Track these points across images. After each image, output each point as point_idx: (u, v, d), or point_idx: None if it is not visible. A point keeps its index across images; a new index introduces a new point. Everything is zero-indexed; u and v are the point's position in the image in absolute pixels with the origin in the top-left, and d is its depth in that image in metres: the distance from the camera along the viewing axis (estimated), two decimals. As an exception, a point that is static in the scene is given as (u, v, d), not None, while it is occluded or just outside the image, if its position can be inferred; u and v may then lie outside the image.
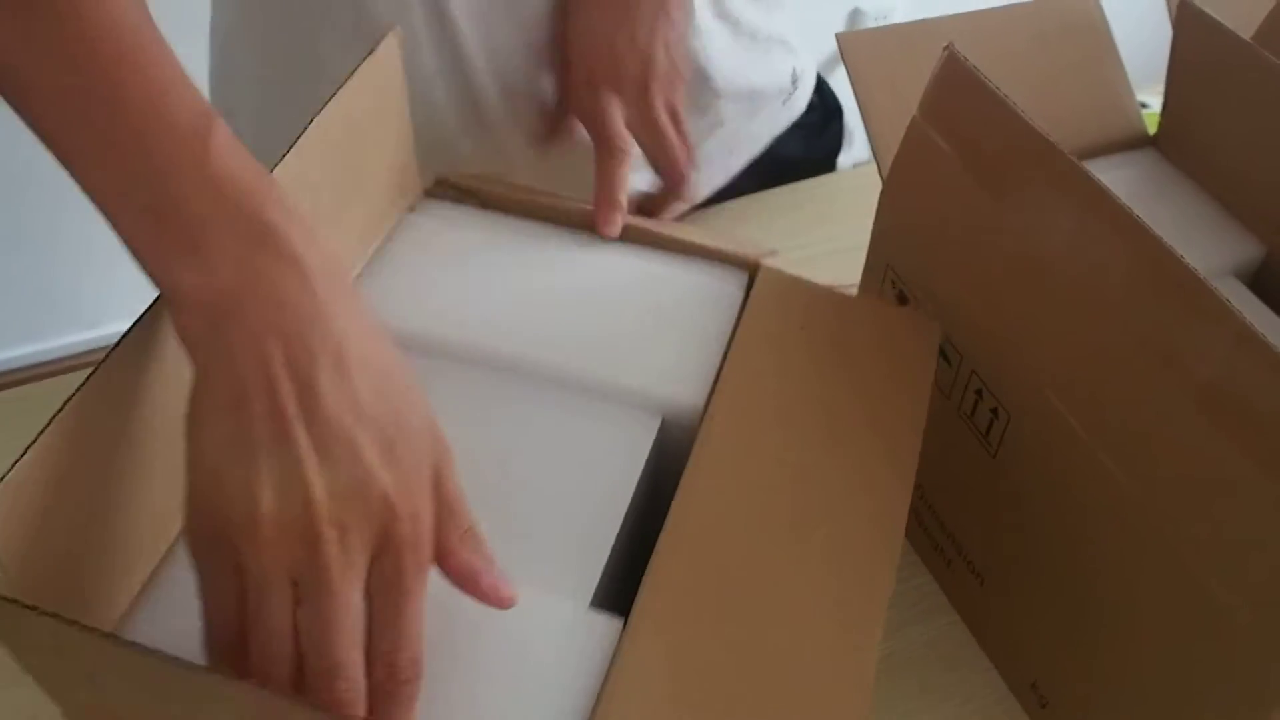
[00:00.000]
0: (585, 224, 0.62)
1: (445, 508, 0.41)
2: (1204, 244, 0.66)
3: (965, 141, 0.54)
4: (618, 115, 0.67)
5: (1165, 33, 0.70)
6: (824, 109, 0.90)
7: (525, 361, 0.54)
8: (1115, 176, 0.71)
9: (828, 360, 0.54)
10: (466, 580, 0.41)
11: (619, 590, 0.48)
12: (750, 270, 0.60)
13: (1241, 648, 0.44)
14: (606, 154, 0.66)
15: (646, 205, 0.73)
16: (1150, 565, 0.48)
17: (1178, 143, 0.72)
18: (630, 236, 0.62)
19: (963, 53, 0.54)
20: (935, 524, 0.64)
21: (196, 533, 0.38)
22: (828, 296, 0.57)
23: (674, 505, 0.48)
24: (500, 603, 0.42)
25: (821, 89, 0.90)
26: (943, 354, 0.58)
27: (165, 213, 0.39)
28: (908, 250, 0.60)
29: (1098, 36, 0.74)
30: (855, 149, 0.87)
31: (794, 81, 0.84)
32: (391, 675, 0.38)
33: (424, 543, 0.39)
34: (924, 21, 0.69)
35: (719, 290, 0.59)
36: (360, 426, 0.38)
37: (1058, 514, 0.53)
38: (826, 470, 0.50)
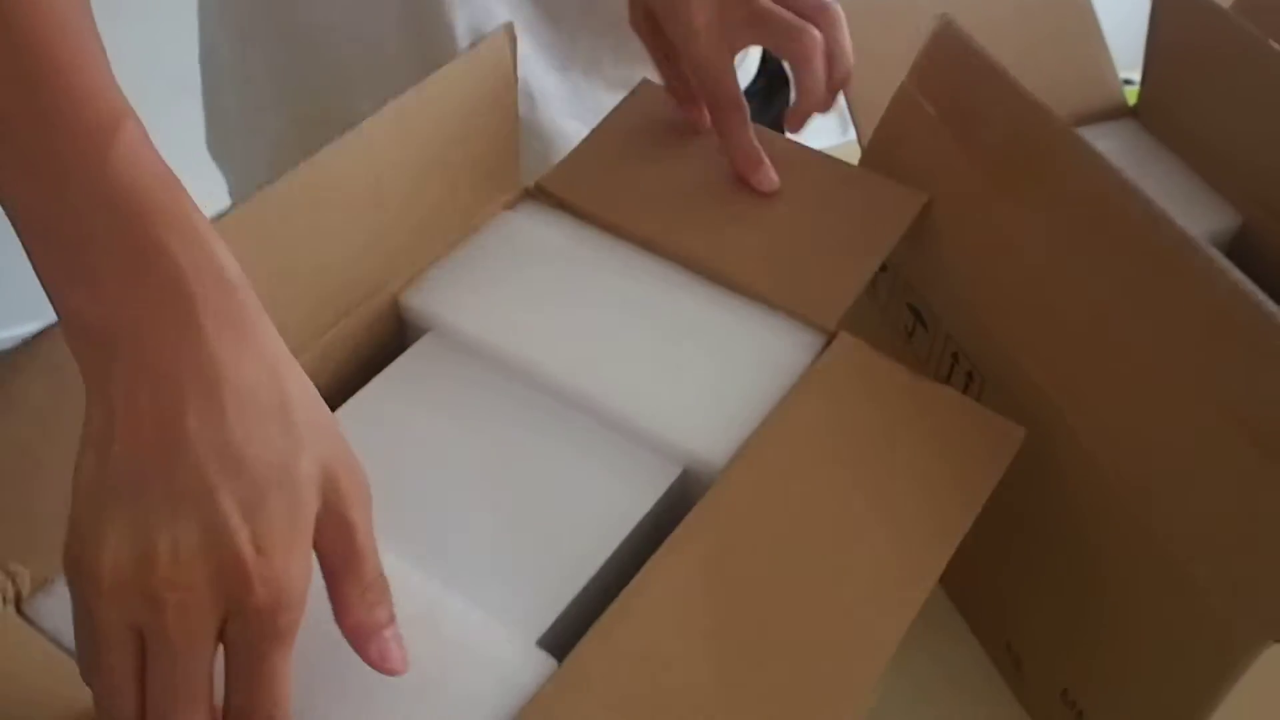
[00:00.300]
0: (677, 256, 0.58)
1: (345, 559, 0.38)
2: (1182, 213, 0.67)
3: (957, 110, 0.54)
4: (731, 68, 0.60)
5: (1146, 11, 0.71)
6: (769, 78, 0.90)
7: (563, 382, 0.52)
8: (1098, 147, 0.72)
9: (882, 436, 0.50)
10: (355, 640, 0.39)
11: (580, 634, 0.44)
12: (828, 337, 0.55)
13: (1203, 608, 0.46)
14: (733, 111, 0.60)
15: (786, 121, 0.64)
16: (1116, 527, 0.49)
17: (1157, 114, 0.73)
18: (715, 275, 0.57)
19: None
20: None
21: (64, 565, 0.36)
22: (907, 378, 0.52)
23: (653, 556, 0.45)
24: (386, 670, 0.39)
25: (766, 58, 0.90)
26: (920, 319, 0.59)
27: (55, 229, 0.36)
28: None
29: (1079, 8, 0.75)
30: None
31: None
32: None
33: (283, 606, 0.35)
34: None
35: (787, 351, 0.54)
36: (224, 475, 0.34)
37: (1032, 476, 0.54)
38: (842, 536, 0.46)
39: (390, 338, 0.56)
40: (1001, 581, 0.59)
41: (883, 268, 0.62)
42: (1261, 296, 0.41)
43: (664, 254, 0.58)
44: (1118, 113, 0.74)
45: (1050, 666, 0.57)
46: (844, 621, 0.43)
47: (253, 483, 0.35)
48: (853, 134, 0.67)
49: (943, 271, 0.57)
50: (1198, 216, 0.68)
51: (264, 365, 0.36)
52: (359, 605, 0.38)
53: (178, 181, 0.37)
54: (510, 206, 0.60)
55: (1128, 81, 0.75)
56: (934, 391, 0.51)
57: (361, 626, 0.39)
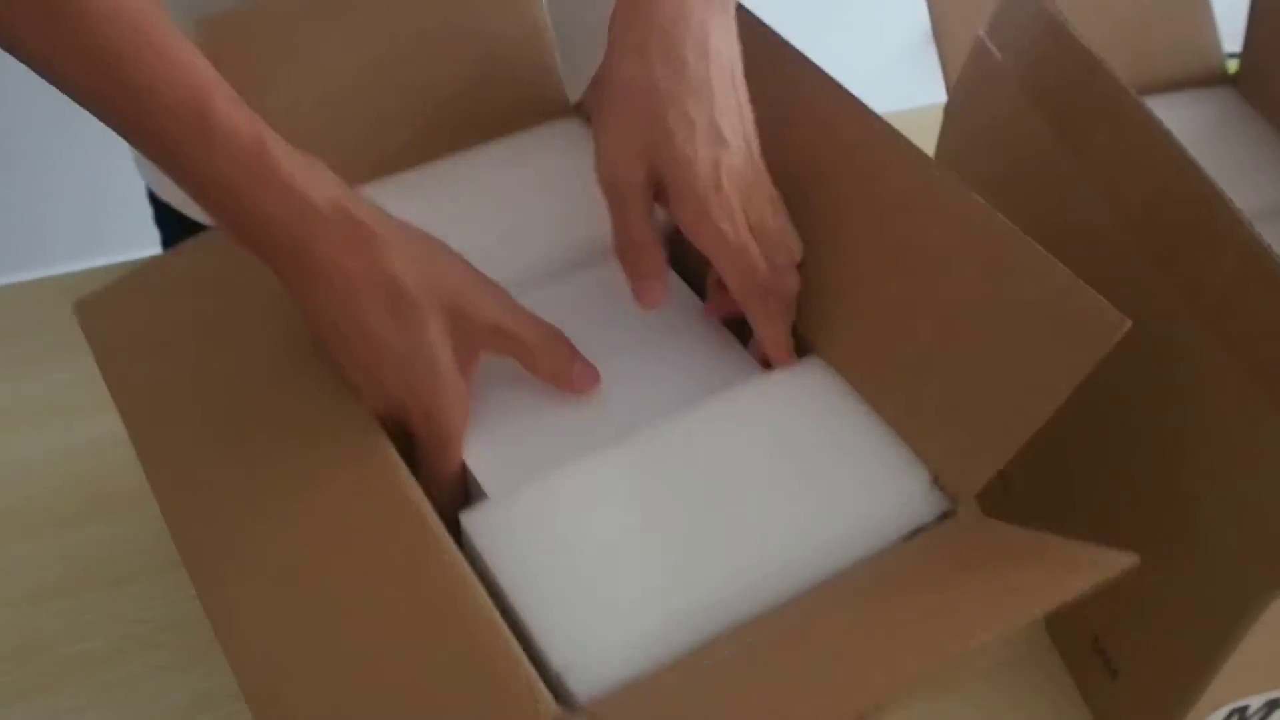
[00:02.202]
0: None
1: (514, 347, 0.50)
2: (1266, 180, 0.67)
3: (1025, 62, 0.56)
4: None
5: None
6: None
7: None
8: (1189, 113, 0.72)
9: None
10: (559, 384, 0.51)
11: None
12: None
13: (1220, 556, 0.47)
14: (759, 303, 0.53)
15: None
16: (1138, 473, 0.50)
17: (1256, 83, 0.73)
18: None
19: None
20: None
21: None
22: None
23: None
24: (581, 393, 0.52)
25: None
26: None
27: (193, 192, 0.45)
28: (965, 173, 0.62)
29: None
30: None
31: None
32: None
33: (437, 425, 0.48)
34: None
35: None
36: (376, 359, 0.47)
37: (1070, 423, 0.56)
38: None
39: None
40: (1042, 527, 0.61)
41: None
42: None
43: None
44: (1216, 80, 0.74)
45: (1083, 613, 0.58)
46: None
47: (396, 358, 0.47)
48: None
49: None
50: (1282, 186, 0.67)
51: (377, 268, 0.46)
52: (542, 363, 0.51)
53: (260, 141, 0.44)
54: (551, 120, 0.63)
55: (1232, 55, 0.75)
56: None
57: (553, 374, 0.51)
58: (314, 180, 0.45)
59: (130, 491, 0.56)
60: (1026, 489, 0.62)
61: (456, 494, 0.50)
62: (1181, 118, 0.71)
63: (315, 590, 0.44)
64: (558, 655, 0.43)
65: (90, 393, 0.53)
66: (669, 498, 0.48)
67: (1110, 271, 0.51)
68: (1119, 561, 0.42)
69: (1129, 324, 0.42)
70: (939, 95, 0.67)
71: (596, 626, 0.44)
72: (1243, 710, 0.53)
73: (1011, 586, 0.43)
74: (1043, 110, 0.54)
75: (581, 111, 0.62)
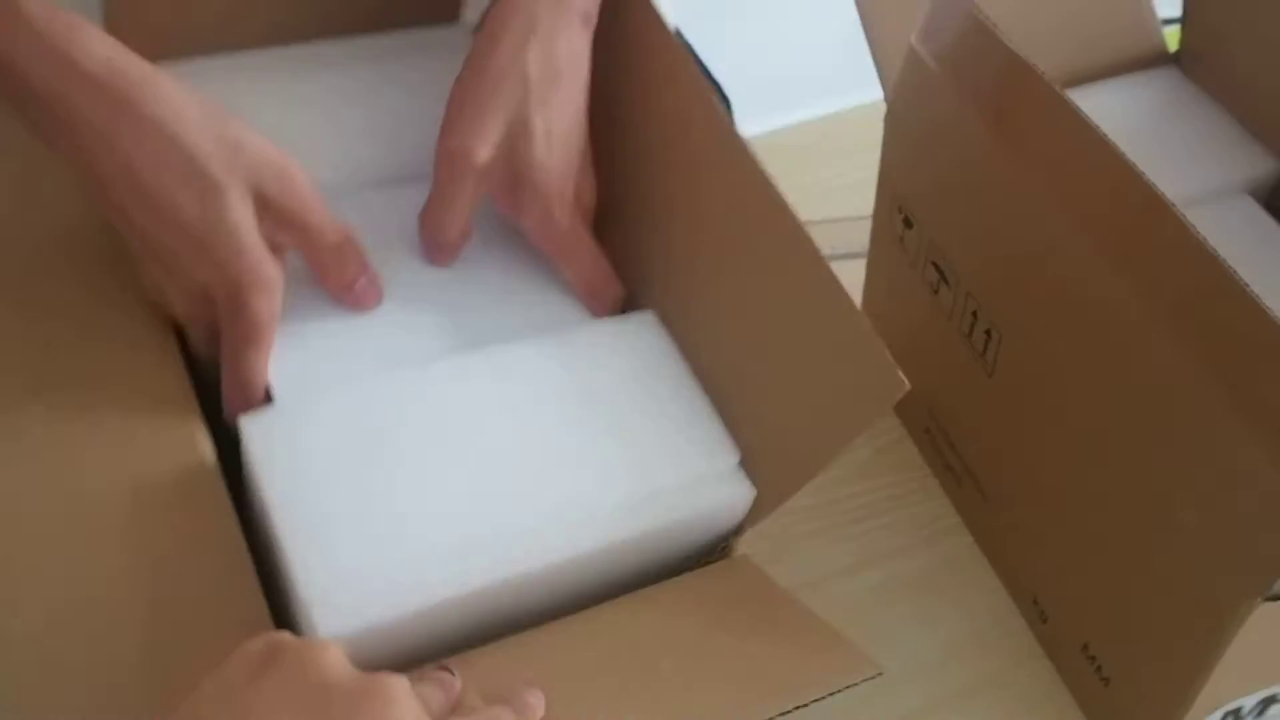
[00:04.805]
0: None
1: (305, 237, 0.47)
2: (1218, 162, 0.66)
3: (959, 69, 0.54)
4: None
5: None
6: None
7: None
8: (1134, 96, 0.71)
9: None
10: (336, 296, 0.50)
11: None
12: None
13: (1197, 565, 0.46)
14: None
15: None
16: (1119, 482, 0.49)
17: (1199, 60, 0.72)
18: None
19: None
20: (945, 443, 0.65)
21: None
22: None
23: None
24: (361, 309, 0.50)
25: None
26: (942, 276, 0.59)
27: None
28: (911, 178, 0.61)
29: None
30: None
31: None
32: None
33: (237, 303, 0.45)
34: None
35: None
36: (157, 226, 0.44)
37: (1046, 431, 0.55)
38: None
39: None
40: (1029, 536, 0.60)
41: (908, 224, 0.63)
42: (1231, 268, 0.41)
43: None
44: (1159, 59, 0.73)
45: (1072, 621, 0.57)
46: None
47: (197, 237, 0.44)
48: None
49: (959, 231, 0.57)
50: (1236, 165, 0.66)
51: (165, 138, 0.43)
52: (331, 272, 0.49)
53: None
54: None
55: (1167, 22, 0.73)
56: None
57: (338, 284, 0.50)
58: (78, 38, 0.42)
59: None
60: (1002, 495, 0.61)
61: (253, 404, 0.47)
62: (1125, 104, 0.70)
63: (60, 497, 0.42)
64: (308, 588, 0.40)
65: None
66: (462, 432, 0.46)
67: (1064, 272, 0.50)
68: (863, 669, 0.43)
69: (908, 388, 0.41)
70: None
71: (356, 563, 0.42)
72: (1237, 711, 0.52)
73: (758, 671, 0.43)
74: (980, 115, 0.53)
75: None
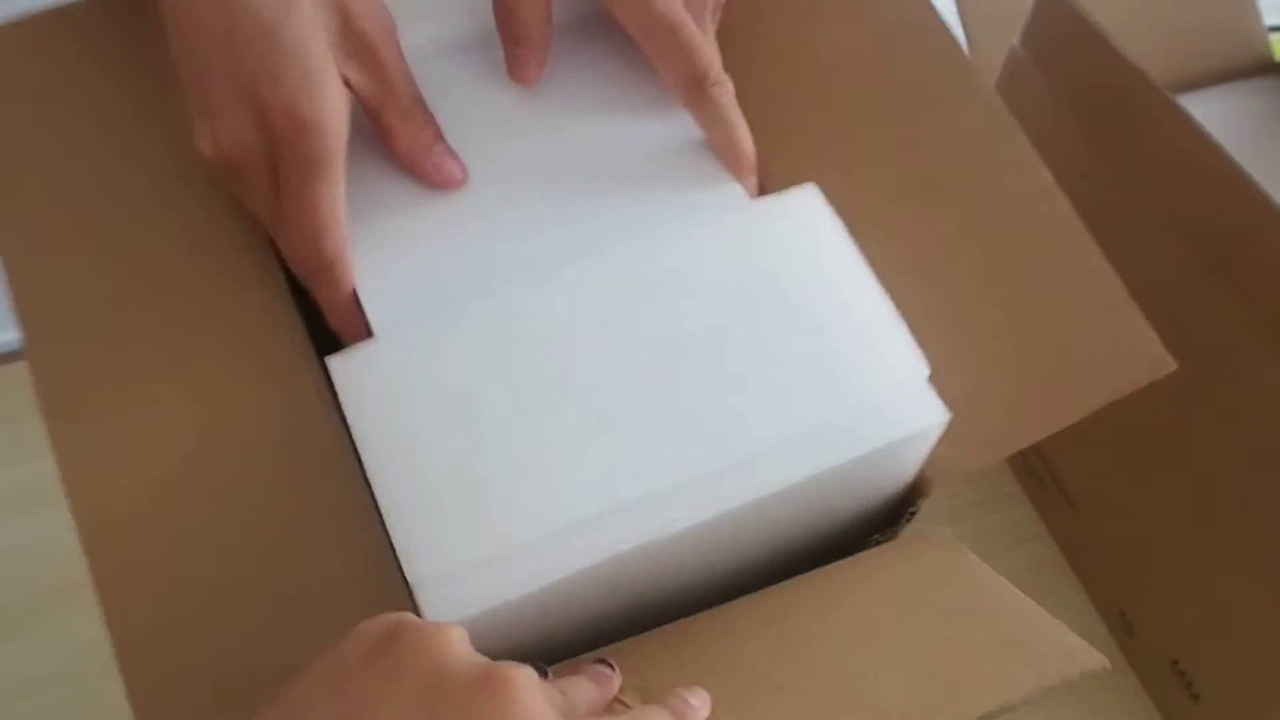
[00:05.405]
0: None
1: (378, 90, 0.40)
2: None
3: (1061, 73, 0.54)
4: None
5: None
6: None
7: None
8: (1237, 104, 0.70)
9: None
10: (409, 165, 0.42)
11: None
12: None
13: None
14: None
15: None
16: (1220, 503, 0.49)
17: (1305, 68, 0.70)
18: None
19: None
20: (1033, 451, 0.65)
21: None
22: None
23: None
24: (444, 183, 0.42)
25: None
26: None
27: None
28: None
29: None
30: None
31: None
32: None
33: (302, 134, 0.38)
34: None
35: None
36: (230, 41, 0.38)
37: (1145, 448, 0.54)
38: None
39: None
40: (1119, 549, 0.59)
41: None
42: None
43: None
44: (1264, 68, 0.71)
45: (1162, 635, 0.57)
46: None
47: (257, 29, 0.37)
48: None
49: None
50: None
51: None
52: (402, 132, 0.41)
53: None
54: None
55: (1274, 29, 0.72)
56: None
57: (410, 150, 0.41)
58: None
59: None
60: (1092, 506, 0.60)
61: (326, 265, 0.40)
62: (1229, 112, 0.69)
63: (174, 457, 0.38)
64: (414, 565, 0.35)
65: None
66: (595, 362, 0.38)
67: (1162, 281, 0.49)
68: (1088, 660, 0.36)
69: (1174, 366, 0.38)
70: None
71: (470, 533, 0.35)
72: (1333, 732, 0.51)
73: (963, 663, 0.36)
74: (1081, 122, 0.52)
75: None
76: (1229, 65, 0.71)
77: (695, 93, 0.41)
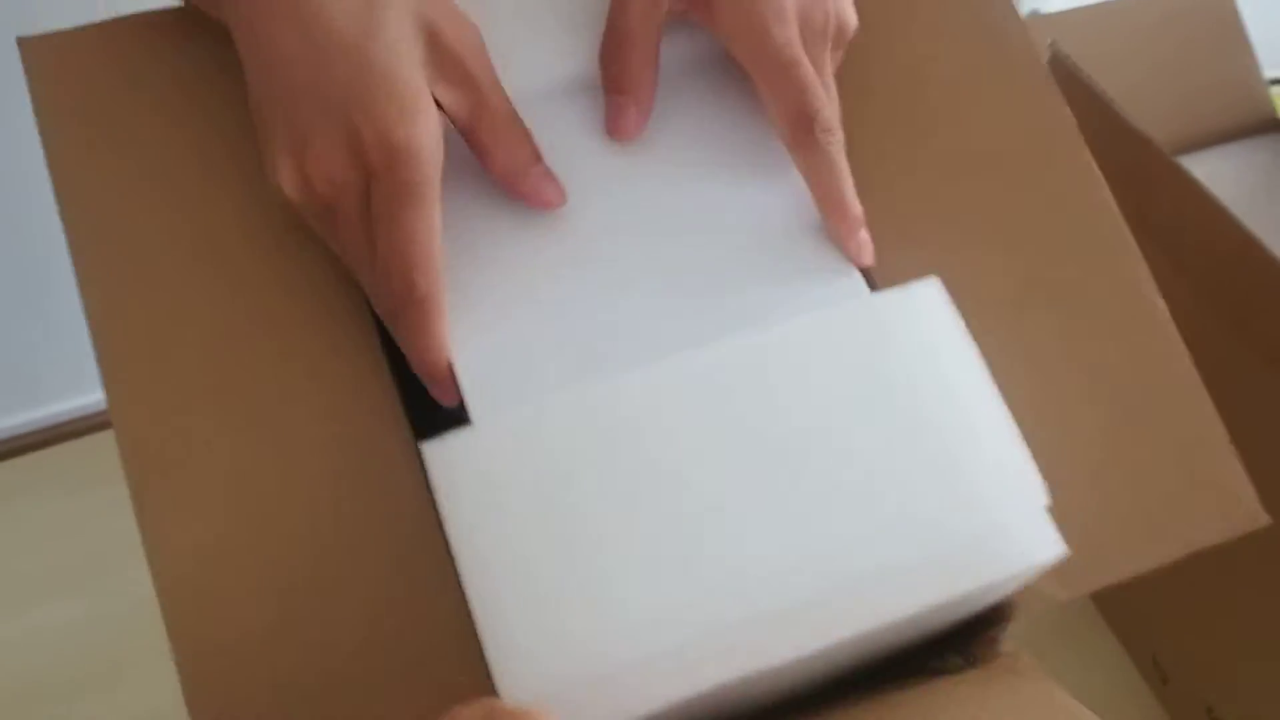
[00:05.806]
0: None
1: (472, 108, 0.38)
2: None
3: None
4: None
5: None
6: None
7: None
8: (1237, 164, 0.72)
9: None
10: (506, 185, 0.39)
11: None
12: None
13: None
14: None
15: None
16: (1248, 547, 0.49)
17: (1307, 123, 0.72)
18: None
19: (1066, 51, 0.55)
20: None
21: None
22: None
23: None
24: (543, 204, 0.40)
25: None
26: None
27: None
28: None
29: (1224, 15, 0.74)
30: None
31: None
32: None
33: (399, 162, 0.36)
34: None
35: None
36: (318, 71, 0.36)
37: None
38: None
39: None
40: (1149, 595, 0.60)
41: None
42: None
43: None
44: (1267, 126, 0.73)
45: (1196, 682, 0.57)
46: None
47: (344, 49, 0.36)
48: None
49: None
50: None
51: None
52: (499, 150, 0.39)
53: None
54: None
55: (1275, 82, 0.74)
56: None
57: (507, 169, 0.39)
58: None
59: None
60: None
61: (418, 302, 0.37)
62: (1234, 170, 0.71)
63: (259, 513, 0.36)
64: (505, 678, 0.34)
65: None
66: (702, 470, 0.35)
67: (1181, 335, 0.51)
68: None
69: (1267, 521, 0.37)
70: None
71: (563, 655, 0.34)
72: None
73: None
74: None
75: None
76: (1234, 124, 0.74)
77: (801, 134, 0.39)
